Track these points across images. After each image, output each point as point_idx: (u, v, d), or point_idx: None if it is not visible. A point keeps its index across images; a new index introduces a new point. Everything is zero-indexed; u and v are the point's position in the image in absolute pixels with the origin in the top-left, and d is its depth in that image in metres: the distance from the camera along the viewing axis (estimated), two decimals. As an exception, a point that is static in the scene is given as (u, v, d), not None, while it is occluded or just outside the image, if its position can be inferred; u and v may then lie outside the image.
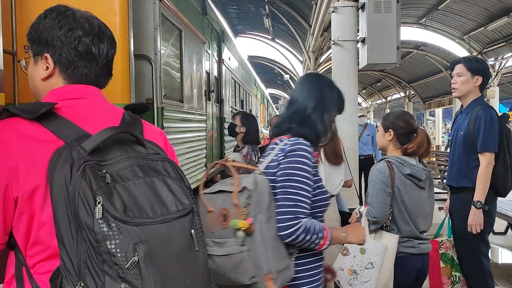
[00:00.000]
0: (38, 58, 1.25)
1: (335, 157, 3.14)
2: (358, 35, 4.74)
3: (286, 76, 26.13)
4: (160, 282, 1.00)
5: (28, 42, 1.27)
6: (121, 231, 0.98)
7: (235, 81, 10.25)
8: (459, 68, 3.25)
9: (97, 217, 0.97)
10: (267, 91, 37.40)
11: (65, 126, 1.13)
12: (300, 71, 20.45)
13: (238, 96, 10.92)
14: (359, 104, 37.54)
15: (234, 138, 4.36)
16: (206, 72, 6.66)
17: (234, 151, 4.44)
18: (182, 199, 1.12)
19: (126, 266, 0.97)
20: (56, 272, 1.02)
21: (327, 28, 11.23)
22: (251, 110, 13.99)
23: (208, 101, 6.63)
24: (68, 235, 0.99)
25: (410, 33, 17.66)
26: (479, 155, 3.11)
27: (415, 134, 2.69)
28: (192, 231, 1.11)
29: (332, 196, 3.21)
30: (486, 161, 3.08)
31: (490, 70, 3.33)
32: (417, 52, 19.65)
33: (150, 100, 4.00)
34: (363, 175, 7.54)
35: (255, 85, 16.42)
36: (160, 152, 1.20)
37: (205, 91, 6.41)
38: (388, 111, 34.15)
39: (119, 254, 0.96)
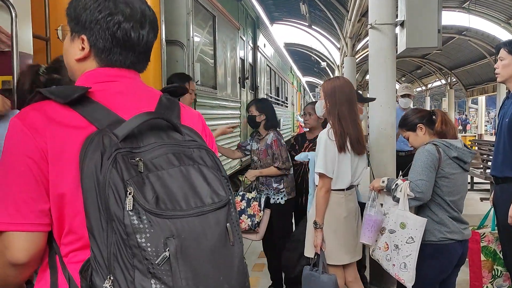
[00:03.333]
0: (75, 36, 1.19)
1: (359, 146, 3.08)
2: (397, 19, 4.56)
3: (323, 64, 25.78)
4: (191, 279, 0.95)
5: (66, 17, 1.21)
6: (152, 224, 0.93)
7: (270, 68, 10.16)
8: (501, 52, 3.12)
9: (127, 209, 0.92)
10: (304, 79, 37.10)
11: (98, 111, 1.08)
12: (337, 58, 20.13)
13: (273, 83, 10.83)
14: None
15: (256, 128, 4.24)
16: (241, 58, 6.60)
17: (253, 139, 4.27)
18: (218, 190, 1.05)
19: (157, 262, 0.92)
20: (86, 264, 0.99)
21: (364, 13, 10.97)
22: (287, 97, 13.88)
23: (242, 88, 6.59)
24: (98, 226, 0.96)
25: (452, 18, 17.16)
26: None
27: (434, 116, 2.80)
28: (228, 224, 1.04)
29: (353, 186, 3.21)
30: None
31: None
32: (460, 37, 18.99)
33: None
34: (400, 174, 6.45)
35: (291, 72, 16.27)
36: (197, 138, 1.13)
37: (239, 78, 6.37)
38: (428, 99, 33.30)
39: (149, 249, 0.92)
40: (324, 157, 3.00)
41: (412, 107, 5.86)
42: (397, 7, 4.63)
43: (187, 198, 0.99)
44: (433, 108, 2.57)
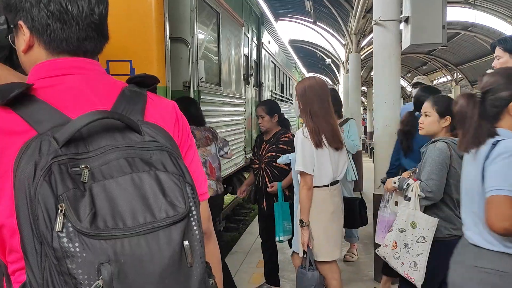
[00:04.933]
0: (16, 28, 1.05)
1: (336, 142, 3.15)
2: (401, 15, 4.55)
3: (328, 60, 25.68)
4: None
5: (4, 12, 1.08)
6: (85, 247, 0.79)
7: (275, 65, 10.15)
8: (497, 50, 3.04)
9: (56, 230, 0.78)
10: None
11: (41, 112, 0.93)
12: (342, 54, 20.07)
13: (278, 80, 10.81)
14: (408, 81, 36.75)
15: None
16: (245, 55, 6.60)
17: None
18: (176, 201, 0.88)
19: None
20: None
21: (369, 9, 10.92)
22: (291, 94, 13.85)
23: (247, 85, 6.59)
24: (32, 249, 0.82)
25: (458, 14, 17.03)
26: None
27: None
28: (186, 242, 0.87)
29: (338, 181, 3.26)
30: None
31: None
32: (465, 33, 18.86)
33: (187, 83, 4.00)
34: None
35: (296, 69, 16.25)
36: (160, 138, 0.96)
37: (243, 75, 6.37)
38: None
39: (81, 276, 0.78)
40: (302, 155, 3.07)
41: None
42: (401, 3, 4.62)
43: (135, 213, 0.84)
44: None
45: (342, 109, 5.11)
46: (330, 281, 3.19)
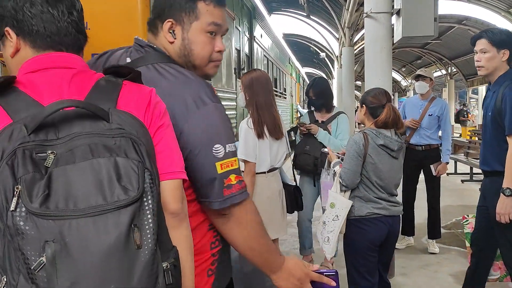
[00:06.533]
0: (3, 38, 1.17)
1: (276, 132, 3.38)
2: (393, 8, 4.50)
3: (322, 54, 25.67)
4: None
5: None
6: (34, 226, 0.86)
7: (268, 59, 10.08)
8: (482, 43, 2.93)
9: (11, 209, 0.86)
10: (303, 70, 36.94)
11: (19, 102, 1.02)
12: (336, 48, 20.03)
13: (271, 74, 10.75)
14: (405, 78, 36.74)
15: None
16: (236, 49, 6.53)
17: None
18: (129, 186, 0.93)
19: (33, 267, 0.86)
20: None
21: (362, 3, 10.88)
22: (285, 89, 13.80)
23: (238, 79, 6.53)
24: None
25: (451, 7, 16.93)
26: (507, 138, 2.82)
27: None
28: (134, 225, 0.92)
29: (276, 168, 3.51)
30: None
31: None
32: (459, 27, 18.84)
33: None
34: (422, 172, 5.00)
35: (289, 63, 16.18)
36: (127, 125, 1.01)
37: (234, 69, 6.30)
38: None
39: (29, 253, 0.86)
40: (245, 144, 3.31)
41: (434, 96, 5.10)
42: (393, -5, 4.57)
43: (88, 196, 0.90)
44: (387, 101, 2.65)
45: (336, 103, 5.03)
46: None
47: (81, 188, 0.90)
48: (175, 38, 1.44)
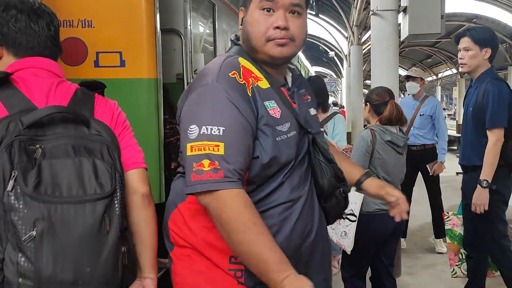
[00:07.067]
0: None
1: None
2: (400, 5, 4.47)
3: (331, 53, 25.53)
4: (52, 258, 1.08)
5: None
6: (27, 205, 1.07)
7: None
8: (466, 41, 3.06)
9: (8, 189, 1.07)
10: (313, 69, 36.83)
11: (14, 97, 1.22)
12: (345, 47, 19.95)
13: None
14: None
15: None
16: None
17: None
18: (104, 183, 1.17)
19: (23, 239, 1.06)
20: None
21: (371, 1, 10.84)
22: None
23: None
24: None
25: (461, 5, 16.81)
26: (487, 131, 2.94)
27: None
28: (106, 214, 1.15)
29: None
30: (494, 137, 2.90)
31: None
32: (470, 25, 18.60)
33: (180, 75, 3.94)
34: (419, 173, 4.95)
35: (298, 62, 16.13)
36: (104, 133, 1.27)
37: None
38: (439, 88, 32.94)
39: (20, 226, 1.06)
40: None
41: (427, 94, 5.15)
42: (400, -8, 4.54)
43: (71, 187, 1.12)
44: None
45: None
46: None
47: (65, 179, 1.12)
48: (241, 25, 1.41)
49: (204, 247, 1.35)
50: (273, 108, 1.34)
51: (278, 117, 1.34)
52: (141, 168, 1.42)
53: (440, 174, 4.87)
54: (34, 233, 1.06)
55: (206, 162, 1.19)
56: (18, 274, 1.06)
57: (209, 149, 1.20)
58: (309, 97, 1.65)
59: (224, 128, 1.22)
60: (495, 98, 2.90)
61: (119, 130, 1.39)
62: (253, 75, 1.36)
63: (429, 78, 33.71)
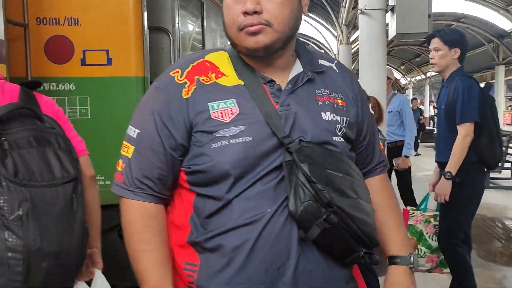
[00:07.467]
0: None
1: None
2: (388, 4, 4.50)
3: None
4: (38, 234, 1.25)
5: None
6: (10, 189, 1.24)
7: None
8: (435, 42, 3.19)
9: None
10: (302, 68, 36.80)
11: None
12: (334, 46, 20.02)
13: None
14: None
15: None
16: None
17: None
18: (69, 168, 1.37)
19: (11, 218, 1.22)
20: None
21: (360, 0, 10.89)
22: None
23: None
24: None
25: (449, 5, 16.96)
26: (457, 126, 3.03)
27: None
28: (74, 195, 1.36)
29: None
30: (464, 132, 2.99)
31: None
32: (458, 24, 18.80)
33: (168, 74, 3.93)
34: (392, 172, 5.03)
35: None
36: (55, 126, 1.44)
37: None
38: (427, 87, 33.17)
39: (6, 208, 1.23)
40: None
41: (395, 92, 5.12)
42: (387, -8, 4.57)
43: (42, 173, 1.31)
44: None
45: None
46: None
47: (35, 166, 1.30)
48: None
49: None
50: (224, 109, 1.10)
51: (226, 120, 1.09)
52: (86, 155, 1.64)
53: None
54: (20, 213, 1.23)
55: (120, 162, 1.15)
56: (7, 249, 1.22)
57: (123, 150, 1.15)
58: (331, 97, 1.23)
59: (139, 131, 1.13)
60: (464, 94, 3.00)
61: (62, 123, 1.54)
62: (217, 69, 1.16)
63: (418, 77, 33.95)
